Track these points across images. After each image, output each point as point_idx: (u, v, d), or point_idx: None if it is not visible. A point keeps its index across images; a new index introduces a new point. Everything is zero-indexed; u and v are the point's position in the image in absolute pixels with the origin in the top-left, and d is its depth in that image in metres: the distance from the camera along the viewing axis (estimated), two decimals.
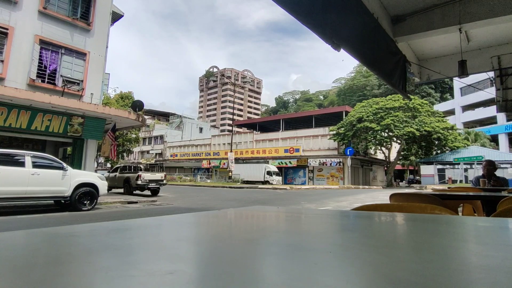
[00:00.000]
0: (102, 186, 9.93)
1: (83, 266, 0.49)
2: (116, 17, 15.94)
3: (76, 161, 12.33)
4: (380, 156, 36.49)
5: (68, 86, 12.36)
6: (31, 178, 8.23)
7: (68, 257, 0.54)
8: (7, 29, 11.07)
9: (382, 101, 31.34)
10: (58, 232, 0.77)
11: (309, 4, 2.10)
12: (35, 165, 8.41)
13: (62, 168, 8.94)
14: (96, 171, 13.71)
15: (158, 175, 16.86)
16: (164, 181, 17.06)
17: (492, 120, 38.50)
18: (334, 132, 32.43)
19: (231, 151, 31.39)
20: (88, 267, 0.49)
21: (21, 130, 10.95)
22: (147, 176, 16.15)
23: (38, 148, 13.77)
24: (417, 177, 46.91)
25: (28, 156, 8.38)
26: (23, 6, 11.54)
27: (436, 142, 30.07)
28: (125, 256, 0.55)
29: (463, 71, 4.56)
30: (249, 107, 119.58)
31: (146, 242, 0.71)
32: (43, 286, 0.38)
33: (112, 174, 18.42)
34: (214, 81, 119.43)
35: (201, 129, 60.08)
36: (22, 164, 8.21)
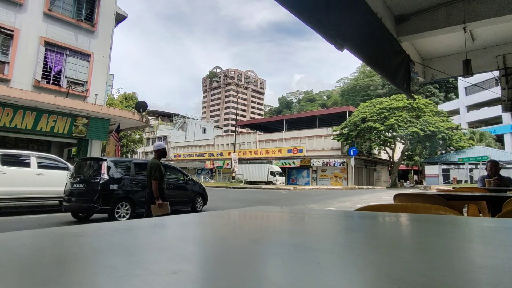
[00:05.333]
0: None
1: (88, 266, 0.50)
2: (120, 18, 16.04)
3: None
4: (384, 156, 36.31)
5: (73, 87, 12.46)
6: (36, 178, 8.30)
7: (74, 257, 0.55)
8: (12, 31, 11.18)
9: (386, 101, 31.20)
10: (64, 232, 0.78)
11: (312, 4, 2.09)
12: (41, 166, 8.48)
13: (67, 169, 9.01)
14: None
15: None
16: None
17: (497, 120, 38.11)
18: (338, 132, 32.34)
19: (234, 152, 31.45)
20: (93, 267, 0.49)
21: (27, 131, 11.05)
22: None
23: (43, 149, 13.87)
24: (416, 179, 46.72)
25: (33, 157, 8.45)
26: (28, 8, 11.66)
27: (441, 142, 29.86)
28: (130, 256, 0.55)
29: (467, 71, 4.52)
30: (252, 107, 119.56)
31: (150, 242, 0.71)
32: (49, 285, 0.39)
33: None
34: (217, 81, 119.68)
35: (204, 130, 60.24)
36: (27, 164, 8.29)
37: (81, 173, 7.77)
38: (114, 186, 7.33)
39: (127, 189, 7.59)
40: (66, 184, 7.81)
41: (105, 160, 7.64)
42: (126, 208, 7.52)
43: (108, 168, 7.42)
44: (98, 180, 7.19)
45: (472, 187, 6.53)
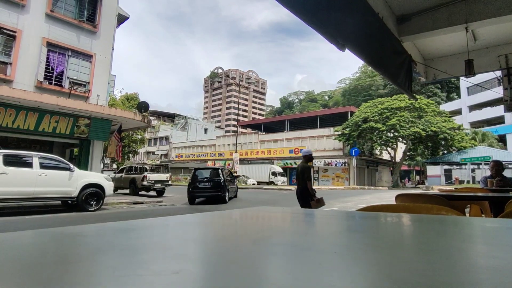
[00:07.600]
0: (108, 186, 10.01)
1: (90, 266, 0.50)
2: (121, 19, 16.07)
3: (82, 162, 12.45)
4: (385, 156, 36.22)
5: (75, 87, 12.49)
6: (38, 179, 8.33)
7: (76, 257, 0.55)
8: (15, 32, 11.23)
9: (387, 101, 31.12)
10: (66, 232, 0.78)
11: (313, 4, 2.09)
12: (43, 166, 8.50)
13: (69, 169, 9.03)
14: (102, 172, 13.82)
15: (164, 176, 16.94)
16: (170, 182, 17.14)
17: (499, 120, 37.94)
18: (339, 132, 32.28)
19: (236, 152, 31.41)
20: (95, 267, 0.50)
21: (29, 132, 11.09)
22: (152, 176, 16.23)
23: (46, 149, 13.92)
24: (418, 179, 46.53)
25: (35, 157, 8.48)
26: (31, 9, 11.70)
27: (443, 142, 29.75)
28: (131, 256, 0.56)
29: (469, 71, 4.50)
30: (253, 107, 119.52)
31: (152, 242, 0.71)
32: (51, 285, 0.39)
33: (118, 175, 18.55)
34: (218, 82, 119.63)
35: (206, 130, 60.27)
36: (30, 165, 8.31)
37: (203, 176, 12.82)
38: (225, 183, 12.75)
39: (227, 183, 13.11)
40: (190, 182, 12.76)
41: (219, 168, 13.55)
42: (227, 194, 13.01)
43: (222, 173, 12.92)
44: (220, 180, 12.64)
45: (474, 188, 6.50)
